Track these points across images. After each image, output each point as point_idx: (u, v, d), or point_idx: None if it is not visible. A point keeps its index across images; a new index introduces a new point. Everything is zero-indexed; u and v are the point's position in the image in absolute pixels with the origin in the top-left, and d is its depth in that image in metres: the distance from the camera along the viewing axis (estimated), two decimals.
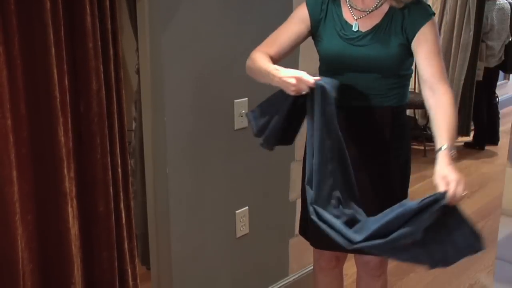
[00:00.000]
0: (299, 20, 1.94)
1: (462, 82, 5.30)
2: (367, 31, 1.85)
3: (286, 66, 2.47)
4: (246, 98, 2.36)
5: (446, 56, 5.36)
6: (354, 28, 1.86)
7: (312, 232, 2.08)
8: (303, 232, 2.17)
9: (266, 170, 2.55)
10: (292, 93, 1.73)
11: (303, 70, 2.50)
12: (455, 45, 5.27)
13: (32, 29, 1.73)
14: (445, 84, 1.83)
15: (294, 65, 2.52)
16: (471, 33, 5.18)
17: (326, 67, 1.95)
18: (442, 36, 5.34)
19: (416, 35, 1.81)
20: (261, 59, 1.88)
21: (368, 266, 2.20)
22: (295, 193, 2.19)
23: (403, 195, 2.06)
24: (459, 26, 5.21)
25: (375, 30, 1.84)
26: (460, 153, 5.59)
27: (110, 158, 2.03)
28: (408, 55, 1.86)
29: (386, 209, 1.96)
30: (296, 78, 1.71)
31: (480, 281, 3.11)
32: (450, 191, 1.54)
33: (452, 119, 1.77)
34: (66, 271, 1.93)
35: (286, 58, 2.41)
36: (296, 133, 1.94)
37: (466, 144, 5.78)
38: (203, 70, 2.19)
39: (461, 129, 5.47)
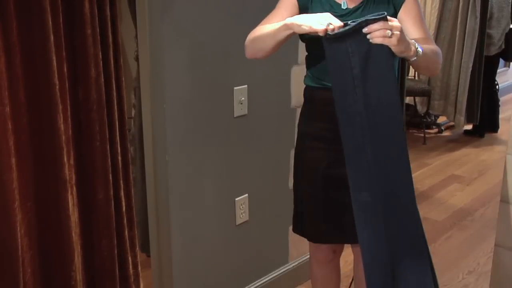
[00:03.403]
0: (287, 7, 1.91)
1: (470, 69, 5.26)
2: (356, 6, 1.86)
3: (285, 56, 2.49)
4: (246, 85, 2.35)
5: (450, 43, 5.33)
6: (343, 6, 1.87)
7: (308, 226, 2.07)
8: (297, 229, 2.16)
9: (266, 157, 2.55)
10: (316, 26, 1.64)
11: (303, 59, 2.50)
12: (459, 32, 5.22)
13: (30, 15, 1.72)
14: (433, 43, 1.85)
15: (294, 54, 2.52)
16: (477, 20, 5.13)
17: (317, 51, 1.92)
18: (445, 23, 5.31)
19: (402, 6, 1.84)
20: (264, 26, 1.86)
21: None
22: None
23: None
24: (463, 13, 5.17)
25: (364, 4, 1.86)
26: (460, 141, 5.60)
27: (110, 146, 2.03)
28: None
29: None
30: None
31: (479, 268, 3.13)
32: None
33: (430, 48, 1.78)
34: (66, 258, 1.93)
35: (284, 47, 2.41)
36: None
37: (466, 132, 5.78)
38: (202, 57, 2.18)
39: (470, 117, 5.47)
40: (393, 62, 1.68)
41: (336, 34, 1.62)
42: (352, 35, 1.63)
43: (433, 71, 1.89)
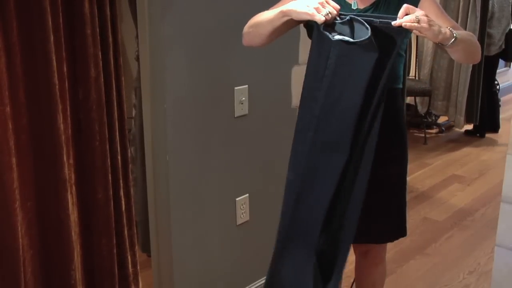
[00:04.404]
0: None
1: (470, 69, 5.26)
2: (366, 7, 1.84)
3: (286, 56, 2.49)
4: (247, 85, 2.35)
5: None
6: (354, 7, 1.85)
7: None
8: None
9: (266, 157, 2.54)
10: (318, 17, 1.63)
11: (304, 59, 2.51)
12: None
13: (30, 15, 1.73)
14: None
15: (295, 54, 2.52)
16: (478, 19, 5.13)
17: None
18: None
19: (418, 7, 1.76)
20: (262, 13, 1.85)
21: (367, 254, 2.20)
22: None
23: (401, 184, 2.05)
24: (464, 13, 5.17)
25: (375, 5, 1.84)
26: (461, 141, 5.60)
27: (109, 145, 2.03)
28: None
29: (382, 196, 1.97)
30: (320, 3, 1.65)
31: (480, 268, 3.13)
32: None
33: (466, 32, 1.78)
34: (66, 257, 1.94)
35: (284, 47, 2.41)
36: None
37: (467, 132, 5.78)
38: (203, 57, 2.18)
39: (469, 117, 5.48)
40: (371, 72, 1.66)
41: (334, 28, 1.65)
42: (343, 31, 1.66)
43: (474, 55, 1.84)
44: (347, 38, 1.64)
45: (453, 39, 1.65)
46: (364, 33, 1.63)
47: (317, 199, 1.77)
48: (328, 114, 1.72)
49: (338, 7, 1.65)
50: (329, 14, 1.62)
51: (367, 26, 1.63)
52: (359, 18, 1.66)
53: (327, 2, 1.64)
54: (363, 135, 1.73)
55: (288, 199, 1.82)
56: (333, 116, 1.72)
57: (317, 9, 1.62)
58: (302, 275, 1.84)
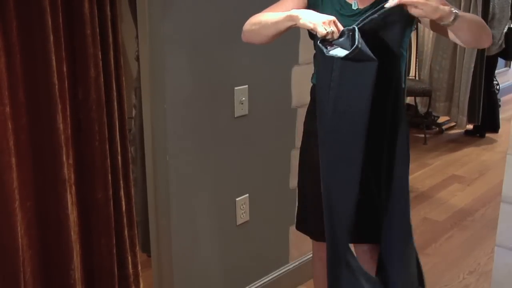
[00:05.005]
0: (295, 2, 1.89)
1: (471, 70, 5.25)
2: (367, 6, 1.84)
3: (286, 56, 2.49)
4: (247, 85, 2.35)
5: (453, 43, 5.32)
6: (354, 7, 1.85)
7: (312, 224, 2.07)
8: (301, 227, 2.16)
9: (266, 158, 2.54)
10: (320, 28, 1.66)
11: (303, 59, 2.51)
12: None
13: (30, 15, 1.73)
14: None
15: (295, 54, 2.52)
16: None
17: None
18: None
19: None
20: (266, 13, 1.87)
21: (367, 254, 2.20)
22: (295, 181, 2.19)
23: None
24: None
25: (375, 4, 1.83)
26: (461, 141, 5.60)
27: (109, 145, 2.03)
28: (407, 25, 1.84)
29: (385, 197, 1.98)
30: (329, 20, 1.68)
31: (480, 268, 3.12)
32: None
33: (470, 14, 1.81)
34: (65, 257, 1.94)
35: (285, 47, 2.41)
36: None
37: (467, 132, 5.77)
38: (203, 57, 2.18)
39: (471, 117, 5.47)
40: (374, 80, 1.68)
41: (332, 42, 1.68)
42: (343, 44, 1.68)
43: (481, 36, 1.82)
44: (339, 54, 1.66)
45: (453, 16, 1.67)
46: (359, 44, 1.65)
47: (339, 210, 1.86)
48: (337, 129, 1.75)
49: (341, 30, 1.69)
50: (333, 34, 1.66)
51: (359, 39, 1.64)
52: (356, 29, 1.67)
53: (335, 23, 1.68)
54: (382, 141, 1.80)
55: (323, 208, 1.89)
56: (342, 127, 1.75)
57: (323, 23, 1.66)
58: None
